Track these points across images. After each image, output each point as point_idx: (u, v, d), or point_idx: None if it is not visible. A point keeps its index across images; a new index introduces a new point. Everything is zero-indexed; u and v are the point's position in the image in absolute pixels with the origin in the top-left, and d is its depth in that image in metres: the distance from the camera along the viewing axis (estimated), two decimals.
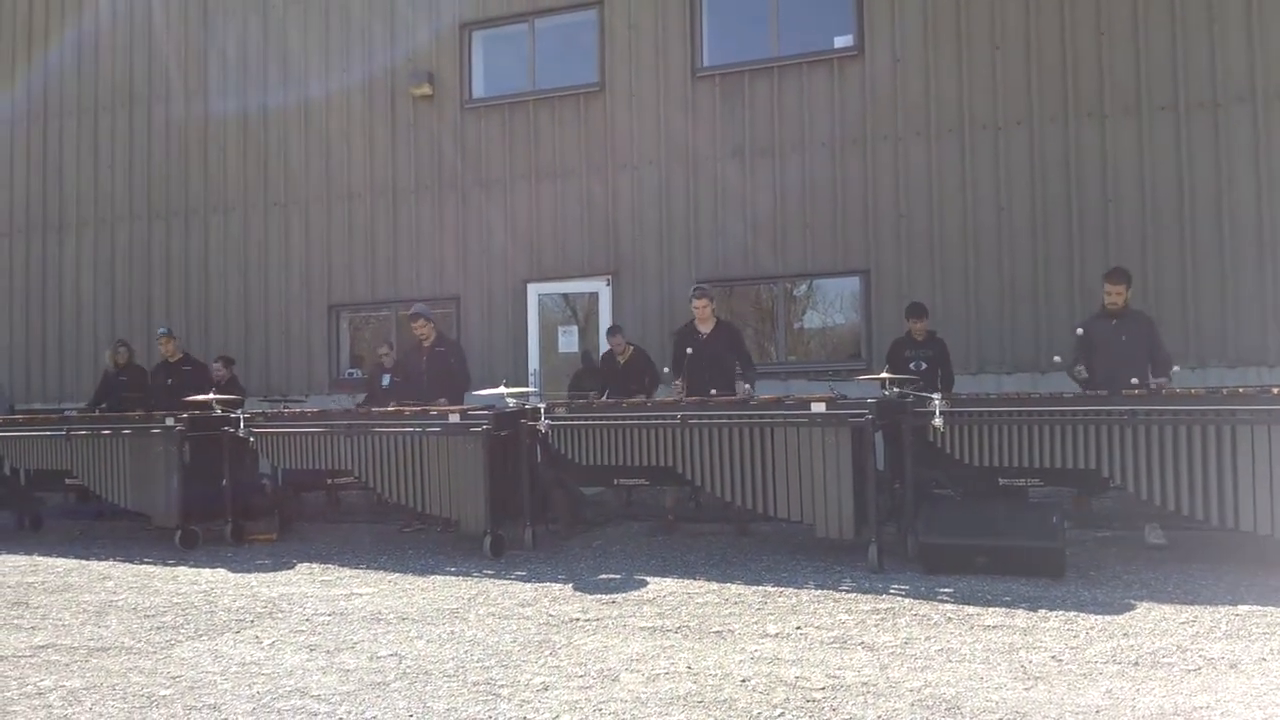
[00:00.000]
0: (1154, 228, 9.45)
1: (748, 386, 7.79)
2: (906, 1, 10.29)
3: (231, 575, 6.90)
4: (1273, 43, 9.17)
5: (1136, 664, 4.20)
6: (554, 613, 5.46)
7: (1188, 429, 5.82)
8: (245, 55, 12.99)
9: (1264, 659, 4.20)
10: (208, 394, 8.63)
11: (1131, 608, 5.11)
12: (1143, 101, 9.52)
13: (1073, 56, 9.73)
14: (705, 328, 8.05)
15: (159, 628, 5.45)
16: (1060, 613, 5.05)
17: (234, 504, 8.15)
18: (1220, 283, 9.24)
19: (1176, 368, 7.00)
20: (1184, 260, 9.35)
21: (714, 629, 5.01)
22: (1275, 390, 5.82)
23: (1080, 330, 7.31)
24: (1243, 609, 5.00)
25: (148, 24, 13.49)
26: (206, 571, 7.06)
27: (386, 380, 9.99)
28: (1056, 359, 7.38)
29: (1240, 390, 6.03)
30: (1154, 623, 4.82)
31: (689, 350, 7.93)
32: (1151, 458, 5.89)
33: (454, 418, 7.30)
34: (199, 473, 8.08)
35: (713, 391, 7.52)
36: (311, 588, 6.38)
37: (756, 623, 5.10)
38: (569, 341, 11.64)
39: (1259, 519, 5.64)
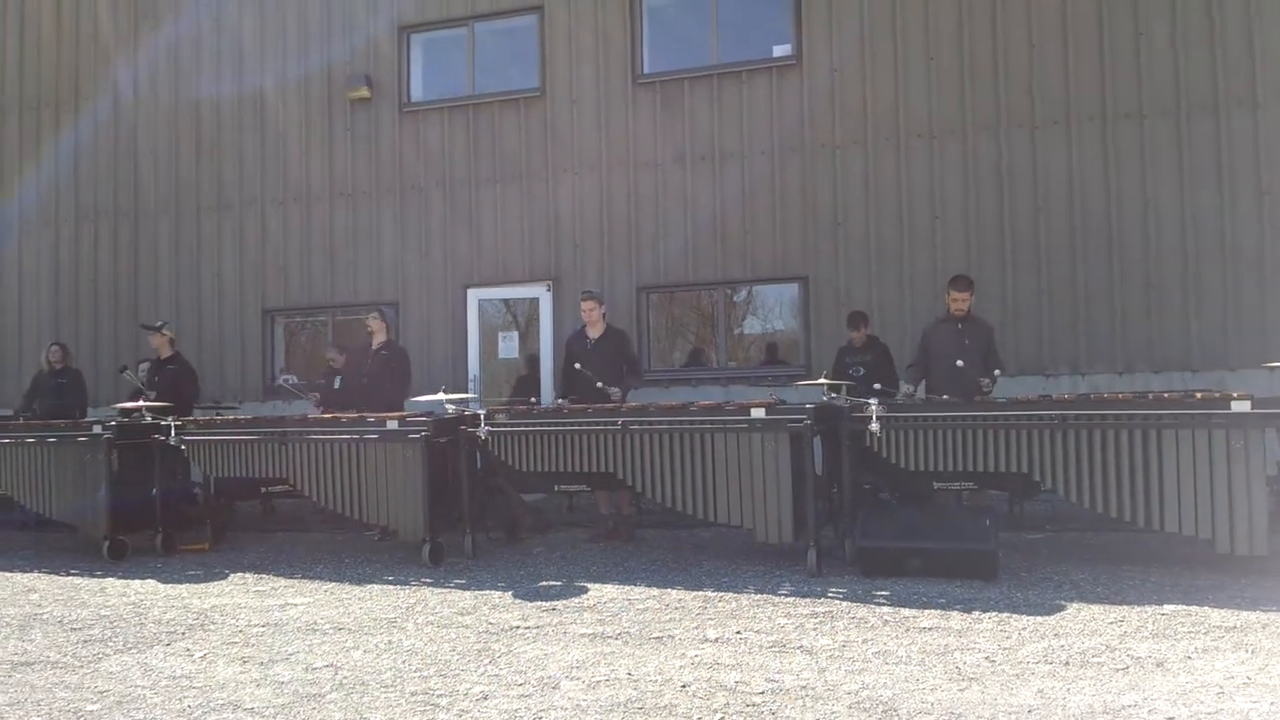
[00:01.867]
0: (1082, 235, 9.69)
1: (615, 390, 7.72)
2: (844, 12, 10.43)
3: (162, 586, 6.74)
4: (1195, 58, 9.47)
5: (1067, 664, 4.29)
6: (493, 621, 5.42)
7: (1115, 433, 5.97)
8: (180, 51, 12.72)
9: (1189, 657, 4.32)
10: (182, 391, 8.41)
11: (1062, 608, 5.22)
12: (1071, 111, 9.76)
13: (1004, 67, 9.95)
14: (594, 332, 8.06)
15: (86, 641, 5.31)
16: (993, 614, 5.15)
17: (164, 513, 7.97)
18: (1145, 290, 9.49)
19: (998, 372, 7.25)
20: (1111, 268, 9.59)
21: (654, 635, 5.01)
22: (1199, 395, 6.00)
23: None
24: (1168, 608, 5.14)
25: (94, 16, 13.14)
26: (136, 583, 6.89)
27: (339, 383, 9.85)
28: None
29: (1165, 395, 6.21)
30: (1083, 623, 4.94)
31: (576, 365, 7.91)
32: (1080, 461, 6.04)
33: (392, 424, 7.22)
34: (128, 481, 7.89)
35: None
36: (245, 598, 6.26)
37: (697, 628, 5.12)
38: (509, 348, 11.58)
39: (1183, 521, 5.81)
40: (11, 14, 13.46)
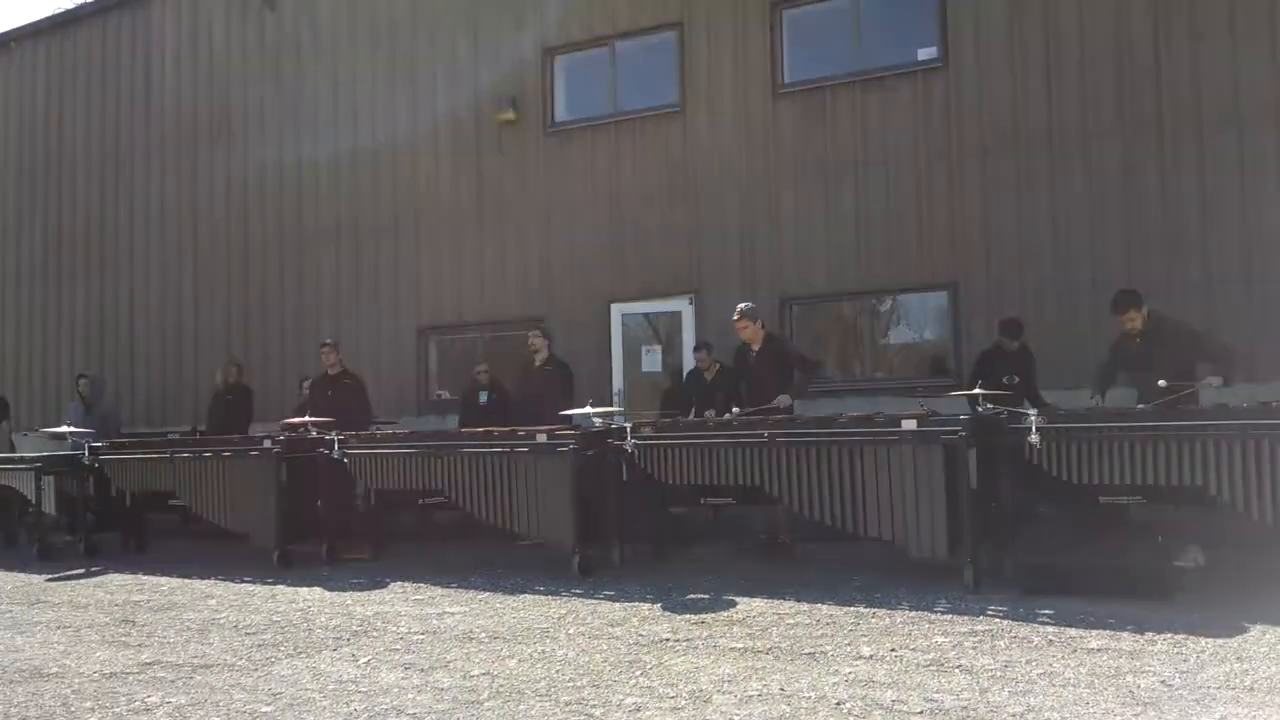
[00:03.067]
0: (1257, 239, 9.11)
1: (784, 398, 7.74)
2: (991, 12, 10.13)
3: (328, 594, 7.05)
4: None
5: (1252, 689, 4.02)
6: (643, 632, 5.45)
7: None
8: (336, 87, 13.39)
9: None
10: (356, 406, 8.84)
11: (1244, 630, 4.89)
12: (1243, 110, 9.19)
13: (1165, 66, 9.45)
14: (755, 346, 8.06)
15: (259, 645, 5.59)
16: (1168, 635, 4.86)
17: (329, 524, 8.34)
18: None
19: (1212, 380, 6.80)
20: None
21: (806, 650, 4.94)
22: None
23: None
24: None
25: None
26: (304, 590, 7.22)
27: (484, 398, 10.14)
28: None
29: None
30: (1269, 646, 4.61)
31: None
32: (1261, 472, 5.63)
33: (541, 438, 7.36)
34: (295, 494, 8.29)
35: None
36: (405, 606, 6.48)
37: (849, 644, 5.02)
38: (652, 361, 11.66)
39: None
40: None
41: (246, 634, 5.89)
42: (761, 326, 8.13)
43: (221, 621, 6.27)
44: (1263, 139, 9.13)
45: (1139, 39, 9.57)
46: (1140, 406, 6.61)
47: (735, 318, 8.13)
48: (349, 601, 6.74)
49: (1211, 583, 5.99)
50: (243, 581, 7.70)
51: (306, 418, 8.68)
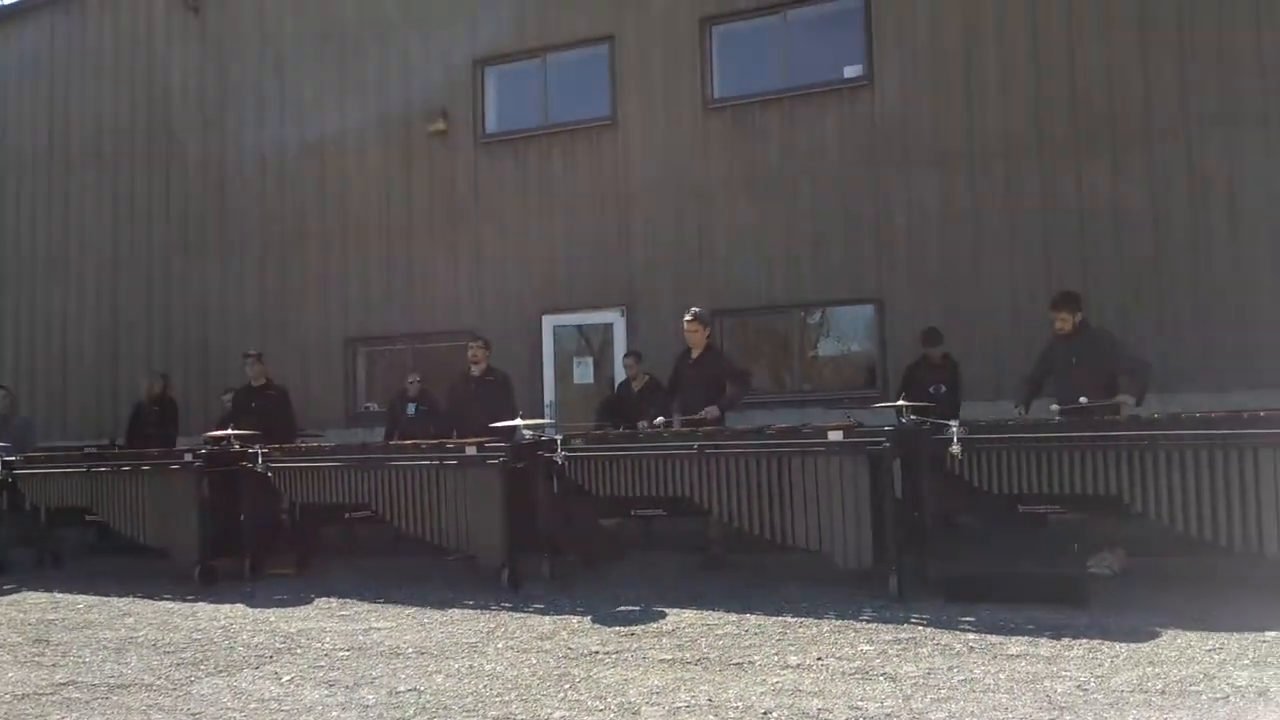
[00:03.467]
0: (1168, 253, 9.44)
1: (713, 409, 7.81)
2: (916, 32, 10.36)
3: (250, 611, 6.90)
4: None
5: (1163, 692, 4.15)
6: (573, 645, 5.44)
7: (1208, 453, 5.74)
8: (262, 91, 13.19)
9: None
10: (282, 417, 8.70)
11: (1156, 635, 5.05)
12: (1153, 130, 9.53)
13: (1080, 89, 9.77)
14: (696, 353, 8.11)
15: (179, 664, 5.45)
16: (1084, 641, 5.00)
17: (252, 539, 8.17)
18: (1238, 309, 9.20)
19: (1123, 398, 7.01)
20: (1198, 285, 9.33)
21: (734, 661, 4.97)
22: None
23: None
24: (1269, 635, 4.94)
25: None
26: (226, 607, 7.06)
27: (413, 409, 10.03)
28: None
29: (1261, 413, 5.97)
30: (1179, 650, 4.77)
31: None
32: (1171, 483, 5.82)
33: (471, 450, 7.31)
34: (218, 508, 8.11)
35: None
36: (330, 622, 6.38)
37: (777, 654, 5.07)
38: (584, 373, 11.66)
39: None
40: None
41: (165, 653, 5.74)
42: (707, 335, 8.21)
43: (140, 640, 6.11)
44: (1174, 154, 9.46)
45: (1057, 60, 9.86)
46: (1057, 419, 6.80)
47: (687, 319, 8.21)
48: (272, 618, 6.61)
49: (1126, 589, 6.18)
50: (162, 599, 7.50)
51: (230, 430, 8.51)
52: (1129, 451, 5.94)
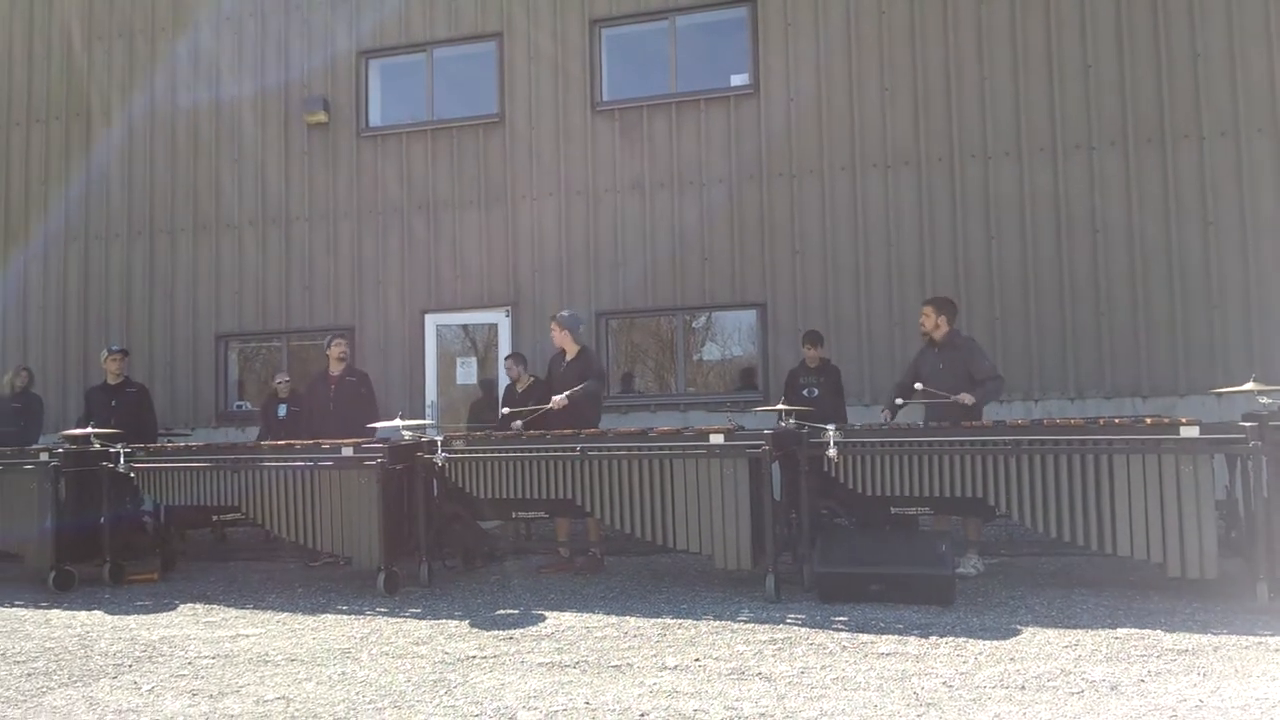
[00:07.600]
0: (1034, 263, 9.86)
1: (560, 398, 7.75)
2: (800, 42, 10.57)
3: (109, 618, 6.58)
4: (1143, 91, 9.71)
5: (1023, 688, 4.32)
6: (449, 650, 5.35)
7: (1067, 458, 6.03)
8: (154, 78, 12.61)
9: (1143, 680, 4.36)
10: (146, 416, 8.46)
11: (1017, 633, 5.26)
12: (1023, 142, 9.95)
13: (956, 98, 10.13)
14: (569, 355, 8.07)
15: (29, 674, 5.16)
16: (950, 639, 5.17)
17: (113, 543, 7.80)
18: (1095, 316, 9.66)
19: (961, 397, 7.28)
20: (1062, 295, 9.77)
21: (613, 663, 4.97)
22: (1149, 421, 6.09)
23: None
24: (1121, 632, 5.20)
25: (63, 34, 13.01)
26: (82, 614, 6.72)
27: (283, 411, 9.73)
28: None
29: (1117, 420, 6.30)
30: (1039, 647, 4.97)
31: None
32: (1034, 486, 6.09)
33: (347, 451, 7.13)
34: (76, 510, 7.71)
35: None
36: (195, 629, 6.13)
37: (655, 655, 5.09)
38: (467, 374, 11.51)
39: (1135, 544, 5.87)
40: None
41: (15, 662, 5.42)
42: (575, 340, 8.12)
43: None
44: (1039, 167, 9.88)
45: (936, 71, 10.19)
46: (900, 405, 7.05)
47: (551, 319, 8.20)
48: (133, 625, 6.31)
49: (989, 588, 6.42)
50: (13, 605, 7.09)
51: (90, 429, 8.11)
52: (992, 455, 6.18)
